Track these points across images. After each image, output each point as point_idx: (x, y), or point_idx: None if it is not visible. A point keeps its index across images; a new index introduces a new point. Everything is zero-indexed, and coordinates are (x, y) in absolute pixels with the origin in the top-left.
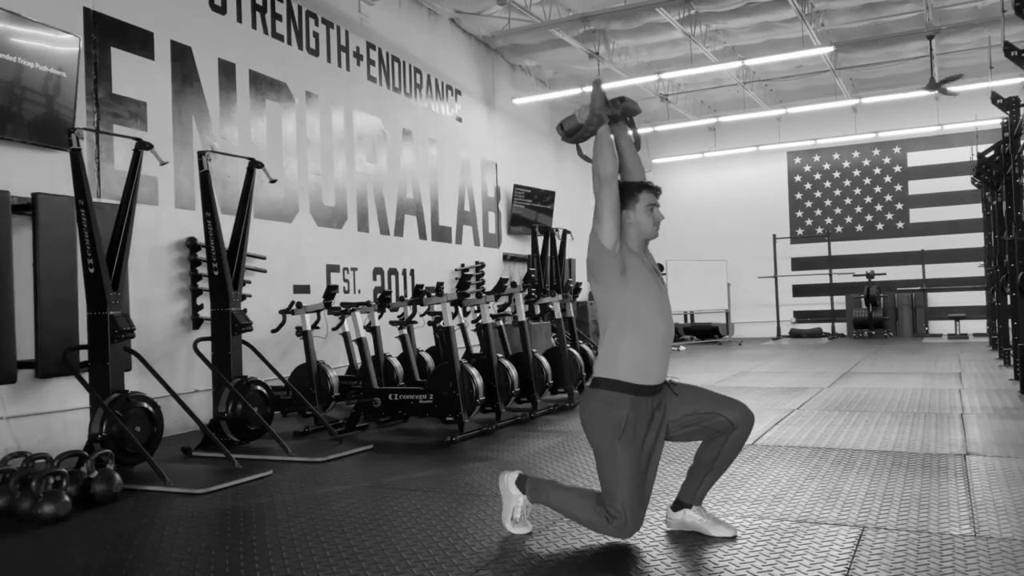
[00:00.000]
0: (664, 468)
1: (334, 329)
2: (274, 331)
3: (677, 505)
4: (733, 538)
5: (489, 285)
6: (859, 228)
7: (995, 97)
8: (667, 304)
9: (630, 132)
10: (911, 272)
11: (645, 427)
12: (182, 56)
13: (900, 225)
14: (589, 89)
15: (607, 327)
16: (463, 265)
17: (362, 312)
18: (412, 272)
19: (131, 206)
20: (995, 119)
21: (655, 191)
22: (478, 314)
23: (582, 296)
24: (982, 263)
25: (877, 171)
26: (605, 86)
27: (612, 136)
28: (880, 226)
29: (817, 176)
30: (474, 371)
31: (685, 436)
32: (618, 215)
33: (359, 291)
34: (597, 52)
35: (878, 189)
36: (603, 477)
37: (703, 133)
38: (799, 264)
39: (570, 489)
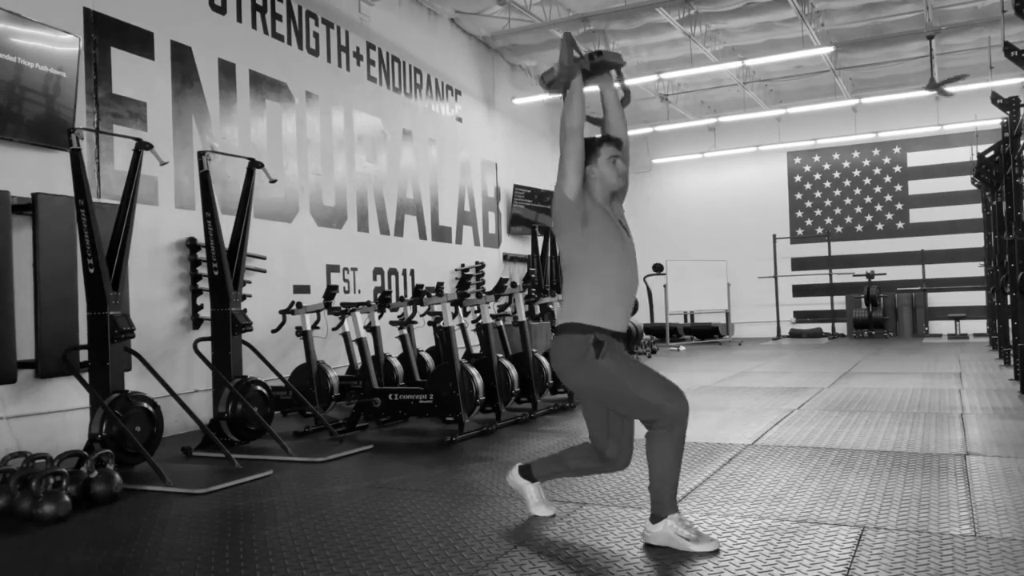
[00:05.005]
0: None
1: (334, 329)
2: (274, 331)
3: (526, 472)
4: (552, 516)
5: (489, 285)
6: (859, 228)
7: (995, 97)
8: (631, 254)
9: (617, 85)
10: (911, 272)
11: (619, 350)
12: (182, 56)
13: (900, 225)
14: (589, 89)
15: (571, 277)
16: (463, 265)
17: (362, 312)
18: (412, 272)
19: (131, 206)
20: (995, 119)
21: (616, 143)
22: (478, 314)
23: None
24: (982, 263)
25: (877, 171)
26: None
27: (598, 89)
28: (880, 226)
29: (817, 176)
30: (474, 371)
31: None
32: (581, 168)
33: (359, 291)
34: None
35: (878, 189)
36: (629, 405)
37: (703, 133)
38: (799, 264)
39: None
